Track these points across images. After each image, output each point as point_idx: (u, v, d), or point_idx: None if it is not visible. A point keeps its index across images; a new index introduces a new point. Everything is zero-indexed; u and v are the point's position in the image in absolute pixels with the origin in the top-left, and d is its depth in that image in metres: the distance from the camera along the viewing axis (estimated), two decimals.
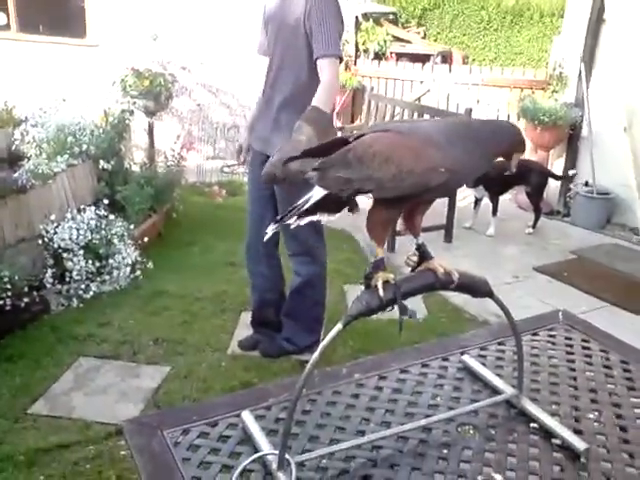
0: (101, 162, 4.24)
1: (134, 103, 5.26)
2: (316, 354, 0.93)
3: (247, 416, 1.07)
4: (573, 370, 1.26)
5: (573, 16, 5.83)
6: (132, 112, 4.93)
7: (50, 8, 6.97)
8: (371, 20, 7.82)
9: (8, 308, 2.94)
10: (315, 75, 2.50)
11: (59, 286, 3.43)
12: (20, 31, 6.85)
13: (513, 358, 1.27)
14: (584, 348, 1.35)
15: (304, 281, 2.85)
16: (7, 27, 6.86)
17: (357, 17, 7.62)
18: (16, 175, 3.60)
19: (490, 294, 1.04)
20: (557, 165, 5.79)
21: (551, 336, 1.39)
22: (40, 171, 3.64)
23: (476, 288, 1.04)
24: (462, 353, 1.31)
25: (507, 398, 1.14)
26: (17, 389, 2.65)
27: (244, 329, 3.19)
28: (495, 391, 1.17)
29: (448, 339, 1.47)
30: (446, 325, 3.12)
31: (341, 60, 2.57)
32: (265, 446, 0.98)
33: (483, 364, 1.26)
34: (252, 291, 3.07)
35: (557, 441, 1.03)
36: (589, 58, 5.57)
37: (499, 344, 1.36)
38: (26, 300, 3.05)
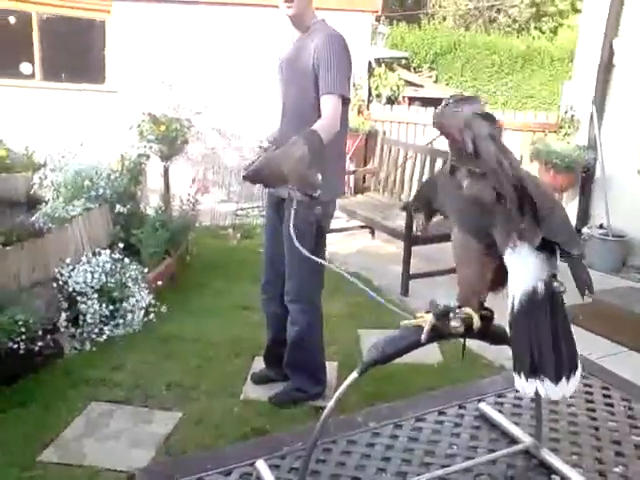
0: (117, 206, 4.29)
1: (150, 148, 5.35)
2: (332, 403, 0.92)
3: (261, 465, 1.05)
4: (594, 419, 1.23)
5: (583, 60, 5.91)
6: (148, 156, 5.01)
7: (73, 57, 7.18)
8: (383, 65, 7.96)
9: (22, 352, 2.94)
10: None
11: (73, 329, 3.43)
12: (43, 79, 7.06)
13: (531, 406, 1.25)
14: (604, 396, 1.32)
15: (301, 330, 2.86)
16: (32, 76, 7.08)
17: (370, 62, 7.76)
18: (33, 219, 3.66)
19: (507, 341, 1.02)
20: (571, 208, 5.77)
21: None
22: (57, 215, 3.69)
23: (493, 335, 1.03)
24: (479, 400, 1.28)
25: (526, 448, 1.11)
26: (27, 435, 2.63)
27: None
28: (513, 440, 1.14)
29: (464, 386, 1.44)
30: (462, 371, 3.08)
31: (346, 101, 2.62)
32: None
33: (500, 412, 1.23)
34: (267, 329, 3.09)
35: None
36: (600, 101, 5.62)
37: (517, 391, 1.34)
38: (40, 344, 3.05)
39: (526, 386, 0.83)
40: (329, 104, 2.53)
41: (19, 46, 7.00)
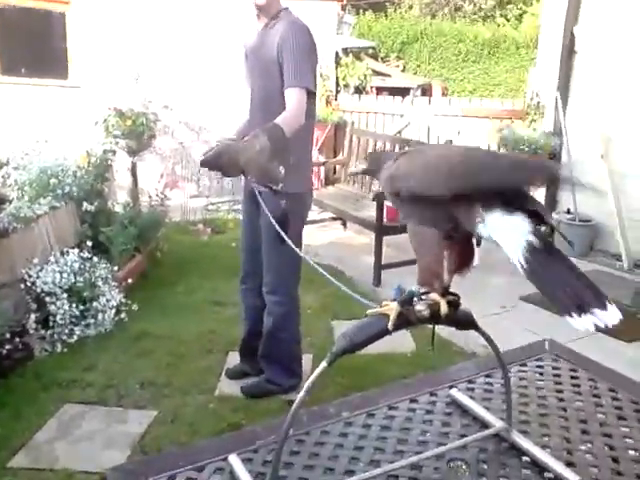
0: (84, 203, 4.22)
1: (117, 143, 5.27)
2: (302, 393, 0.92)
3: (234, 460, 1.04)
4: (562, 400, 1.25)
5: (546, 47, 5.98)
6: (114, 152, 4.94)
7: (32, 50, 7.01)
8: (351, 55, 7.95)
9: None
10: None
11: (42, 331, 3.37)
12: (3, 74, 6.88)
13: (501, 390, 1.26)
14: (572, 377, 1.34)
15: (277, 322, 2.86)
16: None
17: (337, 52, 7.74)
18: None
19: (475, 326, 1.03)
20: (538, 194, 5.85)
21: (539, 367, 1.39)
22: (22, 214, 3.62)
23: (460, 320, 1.03)
24: (450, 387, 1.29)
25: (497, 432, 1.12)
26: None
27: None
28: (485, 425, 1.15)
29: (436, 373, 1.45)
30: (434, 359, 3.11)
31: (311, 93, 2.61)
32: None
33: (472, 397, 1.24)
34: (244, 321, 3.08)
35: (550, 475, 1.02)
36: (564, 88, 5.69)
37: (487, 376, 1.35)
38: (8, 347, 3.00)
39: (583, 323, 0.83)
40: (293, 97, 2.51)
41: None
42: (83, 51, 6.78)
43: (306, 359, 3.10)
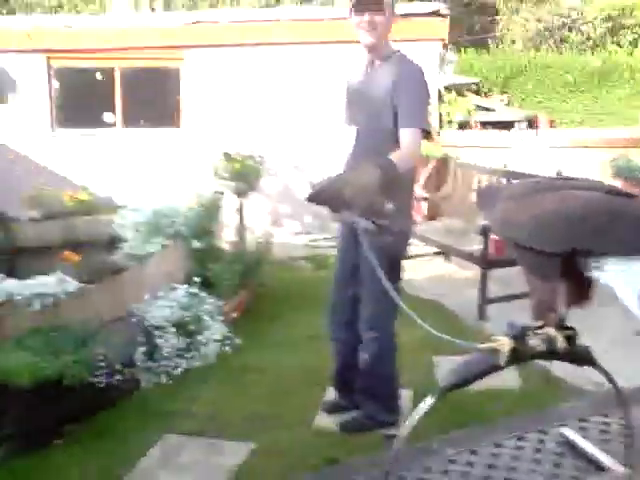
0: (193, 242, 4.39)
1: (225, 185, 5.49)
2: (406, 429, 0.88)
3: None
4: None
5: None
6: (223, 193, 5.13)
7: (150, 104, 7.55)
8: (454, 92, 7.90)
9: (101, 385, 3.01)
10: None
11: (149, 363, 3.48)
12: (124, 126, 7.44)
13: (619, 431, 1.14)
14: None
15: (374, 357, 2.80)
16: (113, 124, 7.48)
17: (439, 90, 7.71)
18: (114, 257, 3.79)
19: (593, 362, 0.96)
20: None
21: None
22: (136, 253, 3.81)
23: (577, 355, 0.96)
24: (561, 426, 1.19)
25: (617, 477, 1.01)
26: (103, 468, 2.66)
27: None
28: (601, 468, 1.04)
29: (545, 411, 1.35)
30: (541, 396, 2.91)
31: (427, 134, 2.61)
32: None
33: (585, 438, 1.14)
34: (335, 356, 3.04)
35: None
36: None
37: (603, 416, 1.23)
38: (118, 377, 3.12)
39: None
40: (409, 137, 2.51)
41: (103, 98, 7.43)
42: (194, 102, 7.19)
43: (406, 395, 3.01)
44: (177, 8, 14.08)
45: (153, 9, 11.17)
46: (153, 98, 7.55)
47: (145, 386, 3.38)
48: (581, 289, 0.93)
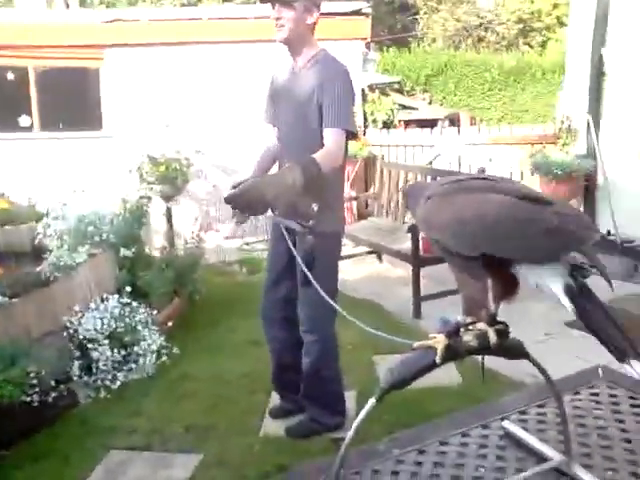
0: (121, 250, 4.29)
1: (151, 189, 5.38)
2: (352, 432, 0.90)
3: None
4: (625, 431, 1.19)
5: (575, 71, 5.97)
6: (149, 198, 5.03)
7: (69, 105, 7.28)
8: (377, 91, 8.03)
9: (35, 404, 2.91)
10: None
11: (86, 378, 3.40)
12: (42, 130, 7.15)
13: (556, 421, 1.21)
14: (633, 406, 1.28)
15: (316, 361, 2.82)
16: (30, 128, 7.17)
17: (363, 89, 7.82)
18: (39, 269, 3.66)
19: (526, 355, 1.01)
20: None
21: (594, 394, 1.33)
22: (62, 263, 3.69)
23: (510, 349, 1.00)
24: (502, 419, 1.25)
25: (556, 465, 1.07)
26: None
27: None
28: (542, 458, 1.11)
29: (486, 405, 1.41)
30: (482, 391, 3.02)
31: (351, 135, 2.61)
32: None
33: (525, 429, 1.20)
34: (270, 354, 3.05)
35: None
36: (595, 110, 5.65)
37: (539, 407, 1.30)
38: (53, 395, 3.03)
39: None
40: (333, 137, 2.51)
41: (17, 100, 7.11)
42: (116, 103, 7.00)
43: (349, 396, 3.06)
44: (93, 5, 13.64)
45: (67, 5, 10.72)
46: (72, 100, 7.30)
47: (83, 402, 3.30)
48: (507, 284, 0.97)
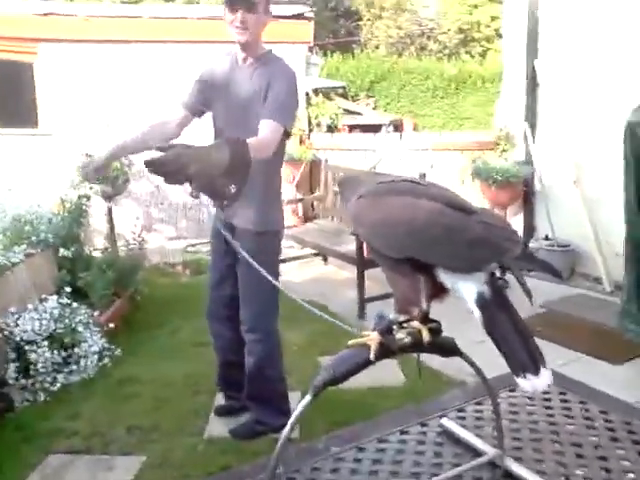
0: (61, 249, 4.18)
1: (91, 188, 5.25)
2: (286, 430, 0.91)
3: None
4: (554, 425, 1.26)
5: (511, 81, 6.20)
6: (89, 197, 4.91)
7: (2, 101, 7.00)
8: (321, 95, 8.07)
9: None
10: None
11: (23, 381, 3.29)
12: None
13: (492, 417, 1.27)
14: (562, 401, 1.35)
15: (260, 361, 2.82)
16: None
17: (307, 93, 7.85)
18: None
19: (458, 352, 1.03)
20: (516, 222, 5.94)
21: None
22: None
23: (443, 347, 1.03)
24: (441, 417, 1.29)
25: (490, 459, 1.12)
26: None
27: None
28: (477, 453, 1.15)
29: (425, 403, 1.45)
30: (424, 390, 3.10)
31: (287, 134, 2.60)
32: None
33: (463, 426, 1.24)
34: (216, 352, 3.04)
35: None
36: (531, 118, 5.86)
37: (477, 404, 1.35)
38: None
39: (535, 385, 0.87)
40: (269, 128, 2.47)
41: None
42: (52, 100, 6.79)
43: (295, 397, 3.06)
44: None
45: None
46: (4, 95, 7.00)
47: (20, 406, 3.20)
48: (439, 283, 0.96)
